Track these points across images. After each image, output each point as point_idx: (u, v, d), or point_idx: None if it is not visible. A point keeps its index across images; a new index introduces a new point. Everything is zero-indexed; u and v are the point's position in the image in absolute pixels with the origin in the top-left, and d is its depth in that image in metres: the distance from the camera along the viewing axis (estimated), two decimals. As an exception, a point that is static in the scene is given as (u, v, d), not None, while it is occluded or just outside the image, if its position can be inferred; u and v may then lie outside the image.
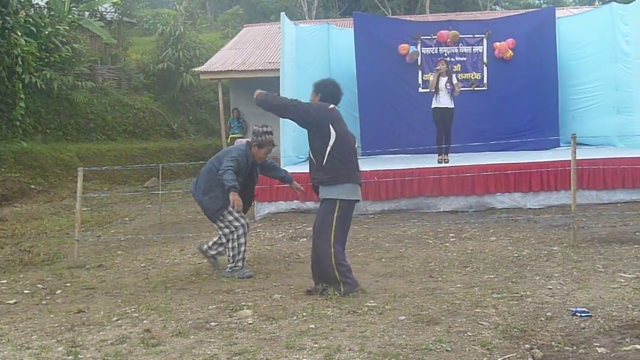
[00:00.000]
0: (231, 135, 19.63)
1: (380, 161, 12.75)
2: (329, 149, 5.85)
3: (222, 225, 7.16)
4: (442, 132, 12.01)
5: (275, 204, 11.51)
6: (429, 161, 11.93)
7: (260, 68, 18.78)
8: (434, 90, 11.99)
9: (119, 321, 5.39)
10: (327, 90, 6.17)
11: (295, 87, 12.38)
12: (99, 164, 17.04)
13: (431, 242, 8.59)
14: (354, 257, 7.76)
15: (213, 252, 7.45)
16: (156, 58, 24.36)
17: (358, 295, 5.84)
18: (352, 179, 5.94)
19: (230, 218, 7.10)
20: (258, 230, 10.18)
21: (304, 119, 6.03)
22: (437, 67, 12.15)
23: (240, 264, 7.09)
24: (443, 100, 11.88)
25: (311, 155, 6.07)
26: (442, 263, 7.22)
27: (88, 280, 7.45)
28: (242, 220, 7.15)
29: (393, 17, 27.87)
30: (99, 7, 25.18)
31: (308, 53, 14.11)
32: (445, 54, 14.61)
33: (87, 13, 24.11)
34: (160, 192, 12.98)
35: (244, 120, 20.00)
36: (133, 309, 5.76)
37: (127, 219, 12.68)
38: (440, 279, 6.47)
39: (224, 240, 7.24)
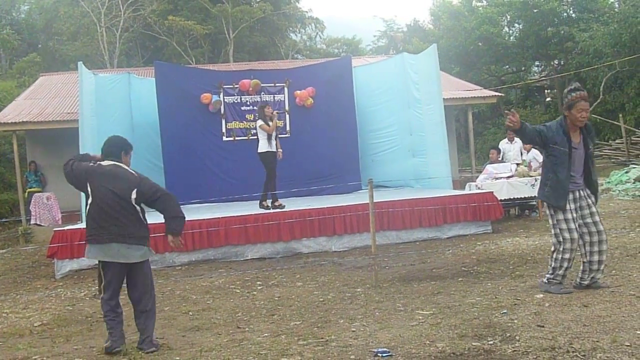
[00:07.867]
0: (28, 190, 18.39)
1: (186, 211, 12.47)
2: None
3: (553, 231, 6.66)
4: (274, 176, 12.00)
5: (77, 261, 10.78)
6: (235, 209, 11.89)
7: (58, 119, 17.83)
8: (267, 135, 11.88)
9: None
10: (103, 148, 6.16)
11: (96, 138, 11.86)
12: None
13: (239, 291, 8.50)
14: (161, 312, 7.47)
15: (587, 282, 6.72)
16: (-57, 109, 22.64)
17: (164, 352, 5.63)
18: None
19: (563, 226, 6.54)
20: (59, 290, 9.60)
21: None
22: (273, 112, 12.09)
23: (559, 278, 6.62)
24: (274, 144, 11.88)
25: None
26: (249, 312, 7.14)
27: None
28: (575, 235, 6.54)
29: (194, 66, 27.93)
30: None
31: (108, 103, 13.69)
32: (248, 103, 14.81)
33: None
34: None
35: (41, 174, 18.83)
36: None
37: None
38: (247, 329, 6.39)
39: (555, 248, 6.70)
